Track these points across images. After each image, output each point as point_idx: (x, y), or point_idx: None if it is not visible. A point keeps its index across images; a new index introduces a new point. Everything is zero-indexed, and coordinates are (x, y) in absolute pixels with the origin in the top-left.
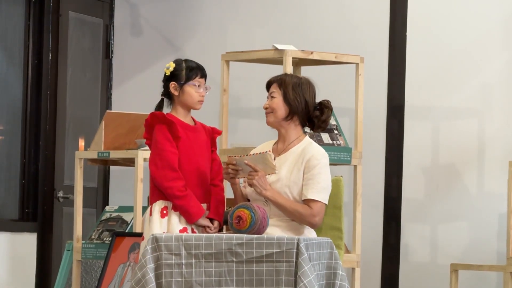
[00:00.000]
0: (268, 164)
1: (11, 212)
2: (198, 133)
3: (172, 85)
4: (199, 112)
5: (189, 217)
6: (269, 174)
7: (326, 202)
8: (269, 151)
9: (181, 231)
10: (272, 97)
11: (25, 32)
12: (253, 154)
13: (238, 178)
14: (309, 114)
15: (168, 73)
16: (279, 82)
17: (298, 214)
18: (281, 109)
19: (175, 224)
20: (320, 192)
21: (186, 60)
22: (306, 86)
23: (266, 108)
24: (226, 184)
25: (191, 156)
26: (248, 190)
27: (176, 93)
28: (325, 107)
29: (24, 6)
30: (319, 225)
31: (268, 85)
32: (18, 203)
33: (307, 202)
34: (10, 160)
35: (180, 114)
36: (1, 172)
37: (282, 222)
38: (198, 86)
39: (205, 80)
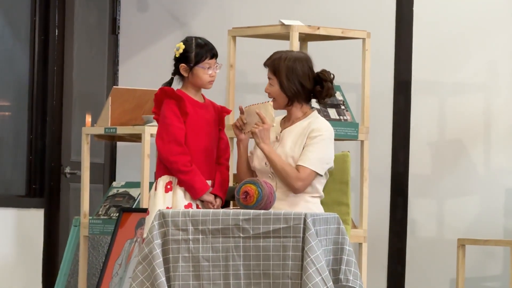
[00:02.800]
0: (267, 115)
1: (18, 188)
2: (206, 110)
3: (182, 67)
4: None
5: (194, 192)
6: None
7: (319, 172)
8: (272, 101)
9: (186, 206)
10: (271, 84)
11: (32, 8)
12: (257, 103)
13: (245, 132)
14: (310, 90)
15: (177, 55)
16: (272, 68)
17: (284, 173)
18: (280, 97)
19: (180, 199)
20: (312, 160)
21: (195, 40)
22: (300, 65)
23: (268, 93)
24: (232, 162)
25: (198, 132)
26: (255, 163)
27: (186, 75)
28: (323, 81)
29: None
30: (301, 191)
31: (265, 66)
32: (25, 179)
33: (297, 167)
34: (17, 136)
35: (190, 92)
36: (8, 148)
37: (289, 196)
38: (208, 68)
39: (216, 58)
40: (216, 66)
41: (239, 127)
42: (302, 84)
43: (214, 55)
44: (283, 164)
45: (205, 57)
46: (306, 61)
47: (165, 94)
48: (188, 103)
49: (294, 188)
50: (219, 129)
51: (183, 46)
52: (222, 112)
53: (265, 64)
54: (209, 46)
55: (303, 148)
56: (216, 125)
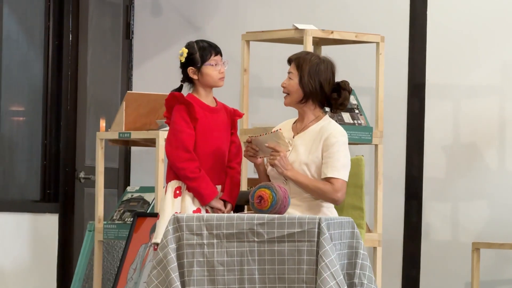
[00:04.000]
0: (281, 142)
1: (32, 193)
2: (217, 114)
3: (190, 70)
4: (221, 92)
5: (202, 199)
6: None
7: (346, 179)
8: (280, 129)
9: (194, 211)
10: (290, 78)
11: (46, 13)
12: (265, 134)
13: (259, 157)
14: (326, 95)
15: (183, 60)
16: (297, 62)
17: (320, 191)
18: (296, 92)
19: (189, 204)
20: (340, 170)
21: (197, 42)
22: (324, 68)
23: (283, 87)
24: (246, 166)
25: (208, 137)
26: (269, 169)
27: (195, 77)
28: (342, 89)
29: None
30: (341, 201)
31: (289, 62)
32: (40, 184)
33: (328, 180)
34: (31, 141)
35: (202, 95)
36: (23, 153)
37: (302, 201)
38: (215, 64)
39: (221, 55)
40: (223, 63)
41: (252, 155)
42: (321, 85)
43: (218, 52)
44: (315, 183)
45: (210, 54)
46: (331, 66)
47: (175, 99)
48: (198, 107)
49: (335, 201)
50: (231, 132)
51: (186, 50)
52: (234, 115)
53: (290, 59)
54: (212, 45)
55: (322, 156)
56: (228, 129)
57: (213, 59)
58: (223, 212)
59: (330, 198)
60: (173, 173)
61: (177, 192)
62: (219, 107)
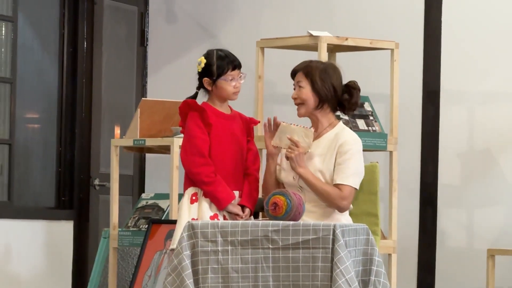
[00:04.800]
0: (306, 141)
1: (47, 200)
2: (232, 121)
3: (206, 81)
4: (235, 99)
5: (218, 203)
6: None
7: (357, 187)
8: (313, 128)
9: (211, 217)
10: (300, 86)
11: (60, 20)
12: (297, 125)
13: (273, 145)
14: (339, 98)
15: (200, 70)
16: (305, 71)
17: (326, 195)
18: (311, 99)
19: (205, 210)
20: (349, 177)
21: (217, 52)
22: (332, 71)
23: (295, 99)
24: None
25: (223, 143)
26: (282, 176)
27: (210, 88)
28: (352, 89)
29: None
30: (347, 209)
31: (293, 74)
32: (55, 191)
33: (337, 186)
34: (46, 149)
35: (216, 104)
36: (38, 160)
37: (317, 208)
38: (231, 79)
39: (239, 69)
40: (240, 77)
41: (269, 134)
42: (334, 87)
43: (236, 66)
44: (323, 186)
45: (227, 69)
46: (337, 69)
47: (188, 106)
48: (212, 114)
49: (339, 208)
50: (247, 140)
51: (204, 60)
52: (250, 123)
53: (295, 70)
54: (231, 58)
55: (335, 163)
56: (243, 136)
57: (230, 74)
58: (241, 217)
59: (335, 203)
60: (189, 180)
61: (193, 198)
62: (234, 115)
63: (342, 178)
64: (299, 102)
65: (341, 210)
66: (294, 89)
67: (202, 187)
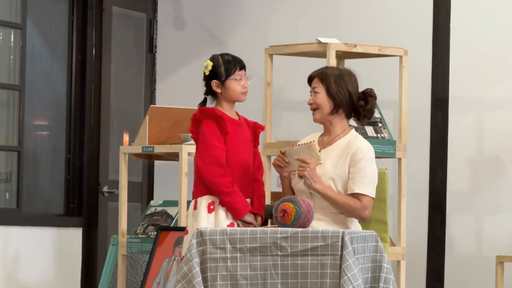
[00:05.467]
0: (313, 155)
1: (56, 207)
2: (242, 128)
3: (214, 83)
4: (244, 106)
5: (235, 213)
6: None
7: (374, 196)
8: (314, 141)
9: (228, 226)
10: (316, 92)
11: (69, 27)
12: (298, 144)
13: (286, 172)
14: (354, 104)
15: (207, 73)
16: (320, 76)
17: (348, 208)
18: (326, 104)
19: (223, 219)
20: (368, 186)
21: (222, 55)
22: (348, 77)
23: (310, 104)
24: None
25: (236, 150)
26: (294, 182)
27: (219, 91)
28: (369, 96)
29: (68, 1)
30: (368, 218)
31: (310, 80)
32: (63, 198)
33: (355, 196)
34: (55, 155)
35: (226, 109)
36: (46, 167)
37: (326, 216)
38: (240, 79)
39: (245, 70)
40: (247, 78)
41: (281, 167)
42: (350, 93)
43: (242, 66)
44: (343, 198)
45: (234, 69)
46: (354, 76)
47: (205, 114)
48: (228, 122)
49: (362, 218)
50: (254, 145)
51: (211, 63)
52: (256, 128)
53: (312, 76)
54: (237, 59)
55: (348, 171)
56: (251, 142)
57: (238, 73)
58: (255, 226)
59: (358, 215)
60: (202, 188)
61: (211, 207)
62: (242, 121)
63: (360, 187)
64: (315, 107)
65: (364, 220)
66: (311, 95)
67: (221, 196)
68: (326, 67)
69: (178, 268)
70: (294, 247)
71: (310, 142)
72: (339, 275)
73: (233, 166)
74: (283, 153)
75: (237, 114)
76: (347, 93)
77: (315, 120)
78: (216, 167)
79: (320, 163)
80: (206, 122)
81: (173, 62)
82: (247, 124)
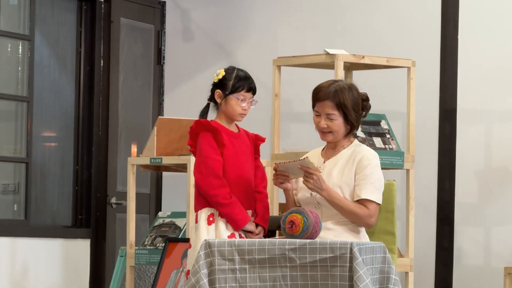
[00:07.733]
0: (310, 166)
1: (64, 218)
2: (241, 140)
3: (217, 92)
4: (251, 118)
5: (235, 224)
6: None
7: (380, 202)
8: (306, 157)
9: (229, 237)
10: (331, 119)
11: (77, 39)
12: (293, 161)
13: (291, 179)
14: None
15: (216, 80)
16: (336, 102)
17: (354, 215)
18: (342, 129)
19: (223, 230)
20: (374, 192)
21: (238, 70)
22: (357, 95)
23: (323, 128)
24: (277, 191)
25: (235, 163)
26: (300, 195)
27: (219, 101)
28: (367, 110)
29: (76, 13)
30: (373, 226)
31: (318, 99)
32: (72, 210)
33: (362, 202)
34: (63, 167)
35: (224, 122)
36: (55, 179)
37: (336, 225)
38: (242, 100)
39: (253, 93)
40: (251, 102)
41: (282, 182)
42: (363, 112)
43: (251, 89)
44: (350, 205)
45: (242, 88)
46: (357, 89)
47: (201, 126)
48: (225, 134)
49: (368, 225)
50: (255, 157)
51: (223, 73)
52: (256, 140)
53: (322, 97)
54: (249, 80)
55: (354, 178)
56: (251, 154)
57: (243, 94)
58: (256, 235)
59: (365, 222)
60: (202, 200)
61: (211, 219)
62: (241, 133)
63: (366, 193)
64: (328, 131)
65: (370, 227)
66: (318, 115)
67: (219, 208)
68: (338, 89)
69: (186, 280)
70: (302, 259)
71: (304, 157)
72: (349, 287)
73: (232, 178)
74: (277, 170)
75: (237, 126)
76: (359, 115)
77: (326, 141)
78: (213, 178)
79: (320, 172)
80: (202, 134)
81: (181, 73)
82: (247, 136)
